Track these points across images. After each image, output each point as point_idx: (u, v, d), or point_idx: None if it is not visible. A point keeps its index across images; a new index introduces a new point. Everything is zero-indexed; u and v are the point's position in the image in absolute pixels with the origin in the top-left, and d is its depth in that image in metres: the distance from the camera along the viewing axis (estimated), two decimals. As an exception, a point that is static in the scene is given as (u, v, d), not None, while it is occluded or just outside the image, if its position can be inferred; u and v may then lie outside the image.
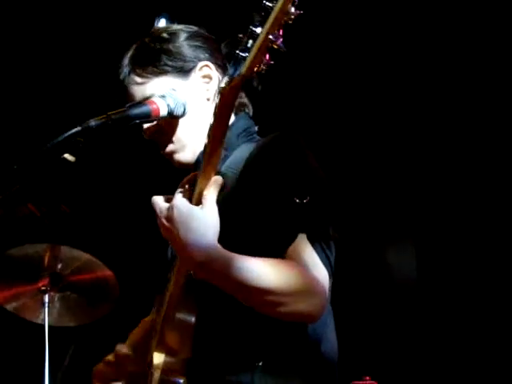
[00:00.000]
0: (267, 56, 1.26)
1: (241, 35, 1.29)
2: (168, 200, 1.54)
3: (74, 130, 1.67)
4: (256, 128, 1.97)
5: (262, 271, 1.53)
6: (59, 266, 3.77)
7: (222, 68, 1.97)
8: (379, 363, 4.15)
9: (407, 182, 4.42)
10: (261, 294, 1.53)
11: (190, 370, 1.67)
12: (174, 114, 1.86)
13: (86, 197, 4.78)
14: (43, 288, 3.71)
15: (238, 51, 1.29)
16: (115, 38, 3.80)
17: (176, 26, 2.00)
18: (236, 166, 1.77)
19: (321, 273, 1.61)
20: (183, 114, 1.88)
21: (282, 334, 1.68)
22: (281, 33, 1.23)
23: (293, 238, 1.62)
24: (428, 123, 4.29)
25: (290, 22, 1.21)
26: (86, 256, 3.77)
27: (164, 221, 1.50)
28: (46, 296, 3.69)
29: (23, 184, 1.73)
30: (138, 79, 1.91)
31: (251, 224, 1.64)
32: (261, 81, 1.99)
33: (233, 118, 1.95)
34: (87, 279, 3.80)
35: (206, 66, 1.94)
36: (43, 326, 3.65)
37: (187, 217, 1.46)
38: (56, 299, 3.77)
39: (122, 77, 1.95)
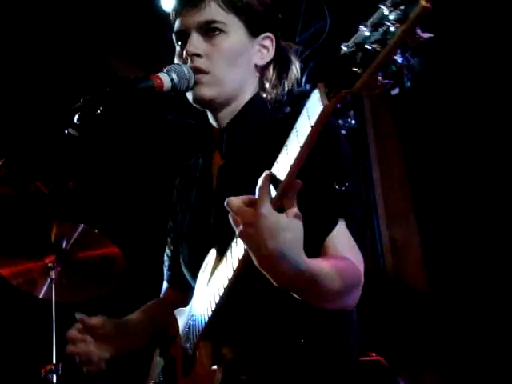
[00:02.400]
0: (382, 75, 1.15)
1: (345, 46, 1.20)
2: (247, 203, 1.43)
3: (77, 105, 1.67)
4: None
5: (334, 277, 1.53)
6: (66, 243, 3.79)
7: (277, 45, 2.00)
8: (385, 339, 4.17)
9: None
10: (326, 296, 1.55)
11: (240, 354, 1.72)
12: (178, 88, 1.86)
13: (93, 174, 4.78)
14: (50, 264, 3.73)
15: (344, 63, 1.19)
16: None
17: None
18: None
19: (361, 262, 1.66)
20: (187, 89, 1.88)
21: (323, 315, 1.72)
22: (399, 52, 1.11)
23: (334, 225, 1.66)
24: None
25: (415, 44, 1.10)
26: (92, 233, 3.78)
27: (247, 227, 1.40)
28: (53, 272, 3.71)
29: (28, 159, 1.72)
30: (216, 6, 1.89)
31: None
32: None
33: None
34: (94, 256, 3.81)
35: (270, 38, 1.97)
36: (50, 301, 3.68)
37: (276, 227, 1.37)
38: (63, 275, 3.78)
39: None
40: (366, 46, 1.14)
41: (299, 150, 1.34)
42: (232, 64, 1.90)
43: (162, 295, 2.26)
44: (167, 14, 2.00)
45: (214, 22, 1.88)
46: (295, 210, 1.39)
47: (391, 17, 1.09)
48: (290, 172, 1.36)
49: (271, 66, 2.01)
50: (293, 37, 4.25)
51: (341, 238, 1.66)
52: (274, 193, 1.39)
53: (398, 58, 1.12)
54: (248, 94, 1.96)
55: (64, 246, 3.78)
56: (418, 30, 1.08)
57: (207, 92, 1.89)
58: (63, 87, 4.37)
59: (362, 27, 1.16)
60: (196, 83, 1.88)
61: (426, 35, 1.09)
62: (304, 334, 1.74)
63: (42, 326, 3.75)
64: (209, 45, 1.88)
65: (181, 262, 2.05)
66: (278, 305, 1.72)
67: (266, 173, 1.40)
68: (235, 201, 1.42)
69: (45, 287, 3.80)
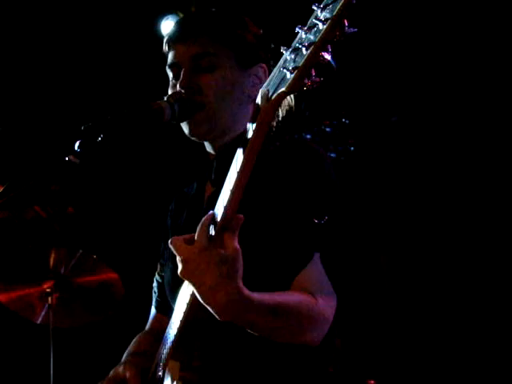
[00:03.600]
0: (314, 74, 1.16)
1: (284, 49, 1.22)
2: (189, 241, 1.45)
3: (78, 132, 1.68)
4: None
5: (286, 312, 1.56)
6: (64, 269, 3.79)
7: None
8: (383, 367, 4.16)
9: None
10: (281, 331, 1.58)
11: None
12: (179, 117, 1.86)
13: (92, 200, 4.79)
14: (48, 290, 3.73)
15: (282, 68, 1.21)
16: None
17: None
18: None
19: (332, 298, 1.67)
20: (189, 118, 1.89)
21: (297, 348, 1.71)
22: (330, 49, 1.14)
23: (309, 259, 1.66)
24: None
25: (342, 39, 1.12)
26: (90, 258, 3.78)
27: (186, 264, 1.43)
28: (51, 298, 3.70)
29: (28, 185, 1.74)
30: (208, 40, 1.89)
31: (268, 242, 1.65)
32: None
33: None
34: (92, 281, 3.81)
35: (262, 67, 1.96)
36: (48, 327, 3.67)
37: (211, 261, 1.40)
38: (61, 301, 3.77)
39: (186, 26, 1.92)
40: (299, 47, 1.17)
41: (236, 174, 1.34)
42: (225, 97, 1.89)
43: (148, 323, 2.23)
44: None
45: (206, 54, 1.88)
46: (234, 244, 1.40)
47: (321, 16, 1.13)
48: (226, 207, 1.38)
49: None
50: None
51: (313, 272, 1.67)
52: (213, 230, 1.41)
53: (327, 55, 1.14)
54: (243, 124, 1.95)
55: (62, 271, 3.78)
56: (346, 26, 1.11)
57: (201, 127, 1.90)
58: (63, 113, 4.40)
59: (299, 30, 1.18)
60: (190, 118, 1.88)
61: (351, 30, 1.11)
62: (280, 360, 1.72)
63: (40, 352, 3.74)
64: (202, 78, 1.88)
65: (165, 283, 2.05)
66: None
67: (209, 213, 1.44)
68: (176, 240, 1.46)
69: (43, 313, 3.79)
